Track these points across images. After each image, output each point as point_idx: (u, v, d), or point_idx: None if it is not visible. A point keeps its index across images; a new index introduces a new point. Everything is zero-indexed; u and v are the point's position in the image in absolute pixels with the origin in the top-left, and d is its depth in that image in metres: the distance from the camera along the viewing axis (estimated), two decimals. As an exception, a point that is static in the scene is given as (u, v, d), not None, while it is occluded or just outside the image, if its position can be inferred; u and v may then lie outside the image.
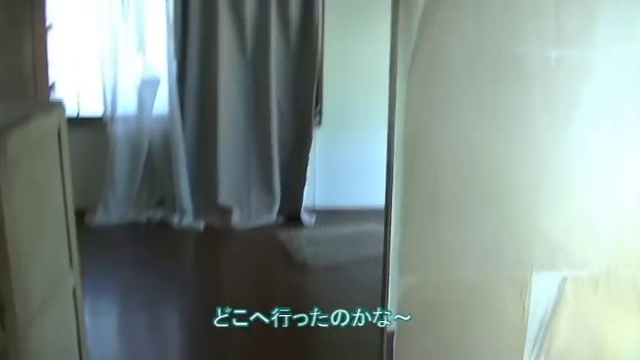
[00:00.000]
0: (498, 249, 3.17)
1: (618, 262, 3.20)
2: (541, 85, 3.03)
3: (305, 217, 6.15)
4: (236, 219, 6.06)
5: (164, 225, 6.11)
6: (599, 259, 3.19)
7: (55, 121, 2.63)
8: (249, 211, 6.13)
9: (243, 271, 5.16)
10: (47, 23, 6.05)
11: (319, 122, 6.29)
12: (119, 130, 6.06)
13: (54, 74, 6.21)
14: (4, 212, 2.10)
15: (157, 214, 6.19)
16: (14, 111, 2.45)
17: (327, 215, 6.29)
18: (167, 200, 6.24)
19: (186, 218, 6.06)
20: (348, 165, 6.36)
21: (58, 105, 2.72)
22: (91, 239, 5.62)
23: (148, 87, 6.03)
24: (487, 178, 3.09)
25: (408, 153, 3.06)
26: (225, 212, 6.08)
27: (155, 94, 6.05)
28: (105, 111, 6.06)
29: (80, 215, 5.76)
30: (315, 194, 6.40)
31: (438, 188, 3.11)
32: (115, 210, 6.13)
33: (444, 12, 2.96)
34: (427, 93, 3.02)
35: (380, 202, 5.79)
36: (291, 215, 6.23)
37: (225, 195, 6.11)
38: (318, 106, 6.27)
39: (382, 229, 5.35)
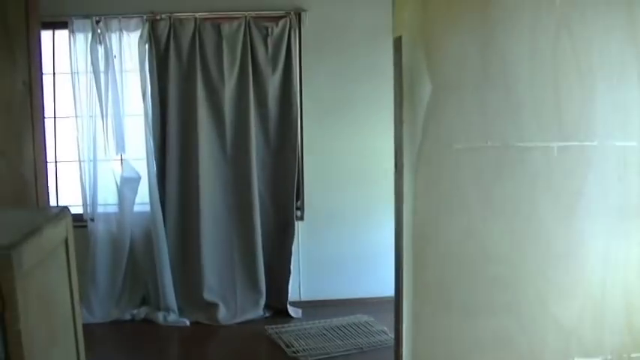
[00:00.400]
0: (510, 339, 3.14)
1: (630, 346, 3.18)
2: (545, 176, 3.07)
3: (292, 310, 6.07)
4: (222, 315, 5.95)
5: (149, 322, 5.99)
6: (611, 344, 3.17)
7: (63, 229, 2.59)
8: (235, 306, 6.03)
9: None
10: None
11: (301, 216, 6.25)
12: (100, 228, 5.98)
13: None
14: (20, 325, 2.04)
15: (141, 312, 6.07)
16: (24, 221, 2.43)
17: (314, 307, 6.21)
18: (151, 298, 6.14)
19: (172, 316, 5.96)
20: (332, 257, 6.33)
21: (65, 212, 2.67)
22: None
23: (128, 185, 5.98)
24: (496, 269, 3.09)
25: (417, 247, 3.05)
26: (211, 308, 5.98)
27: (136, 192, 6.00)
28: (85, 209, 5.98)
29: None
30: (300, 287, 6.33)
31: (447, 280, 3.10)
32: (97, 308, 6.00)
33: (448, 110, 3.01)
34: (434, 188, 3.04)
35: (364, 292, 5.83)
36: (278, 309, 6.14)
37: (210, 291, 6.02)
38: (299, 200, 6.25)
39: (369, 318, 5.34)
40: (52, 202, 6.10)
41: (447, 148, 3.01)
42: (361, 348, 5.20)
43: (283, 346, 5.22)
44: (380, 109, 6.11)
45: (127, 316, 6.05)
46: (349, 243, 6.31)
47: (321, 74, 6.19)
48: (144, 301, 6.20)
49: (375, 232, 6.21)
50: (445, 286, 3.10)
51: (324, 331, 5.54)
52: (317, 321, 5.76)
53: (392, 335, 5.27)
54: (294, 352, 5.07)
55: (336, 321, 5.76)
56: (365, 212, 6.27)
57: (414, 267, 3.06)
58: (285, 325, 5.72)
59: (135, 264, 6.15)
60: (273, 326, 5.65)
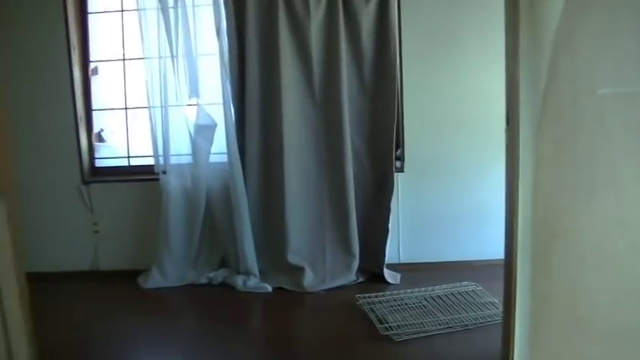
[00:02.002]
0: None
1: None
2: None
3: (388, 275, 5.31)
4: (309, 280, 5.26)
5: (227, 287, 5.39)
6: None
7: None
8: (323, 271, 5.33)
9: (317, 345, 4.31)
10: (92, 66, 5.46)
11: (401, 168, 5.45)
12: (173, 182, 5.35)
13: (101, 120, 5.75)
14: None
15: (219, 276, 5.48)
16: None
17: (414, 273, 5.48)
18: (230, 260, 5.54)
19: (252, 280, 5.32)
20: (436, 215, 5.56)
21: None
22: (146, 303, 5.15)
23: (203, 133, 5.34)
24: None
25: (538, 242, 2.17)
26: (296, 273, 5.30)
27: (211, 141, 5.35)
28: (156, 161, 5.34)
29: (133, 276, 5.44)
30: (399, 248, 5.57)
31: (582, 292, 2.19)
32: (171, 271, 5.48)
33: (588, 39, 2.09)
34: (566, 154, 2.14)
35: (472, 255, 4.98)
36: (373, 273, 5.43)
37: (295, 253, 5.33)
38: (399, 150, 5.45)
39: (476, 287, 4.52)
40: (124, 153, 5.53)
41: (587, 94, 2.09)
42: (466, 325, 4.40)
43: (375, 320, 4.48)
44: (494, 42, 5.21)
45: (204, 280, 5.47)
46: (456, 199, 5.55)
47: (425, 2, 5.37)
48: (222, 264, 5.62)
49: (486, 187, 5.44)
50: (579, 300, 2.20)
51: (424, 302, 4.77)
52: (416, 289, 4.99)
53: (502, 309, 4.46)
54: (387, 329, 4.32)
55: (439, 289, 4.98)
56: (474, 164, 5.44)
57: (533, 271, 2.17)
58: (380, 293, 4.96)
59: (212, 222, 5.54)
60: (366, 295, 4.90)
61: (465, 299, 4.80)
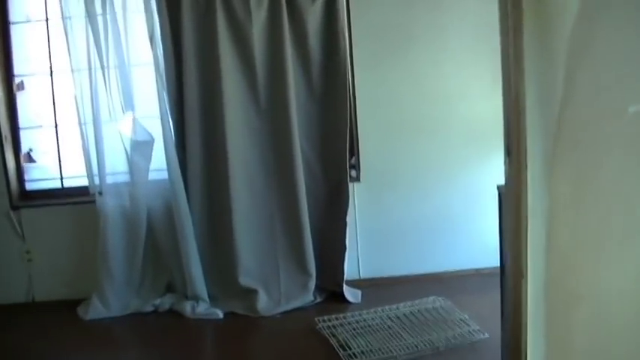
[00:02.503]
0: None
1: None
2: None
3: (349, 294, 4.94)
4: (263, 303, 4.87)
5: (175, 314, 4.95)
6: None
7: None
8: (278, 292, 4.95)
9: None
10: (17, 81, 5.00)
11: (357, 177, 5.09)
12: (110, 204, 4.93)
13: (30, 139, 5.29)
14: None
15: (166, 302, 5.05)
16: None
17: (376, 289, 5.12)
18: (177, 284, 5.12)
19: (202, 306, 4.91)
20: (397, 225, 5.21)
21: None
22: (87, 336, 4.76)
23: (139, 150, 4.91)
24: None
25: (555, 313, 1.72)
26: (249, 296, 4.91)
27: (149, 158, 4.93)
28: (91, 181, 4.90)
29: (73, 306, 5.02)
30: (359, 264, 5.23)
31: None
32: (113, 299, 5.02)
33: (615, 44, 1.63)
34: (590, 194, 1.65)
35: (436, 267, 4.95)
36: (332, 292, 5.06)
37: (247, 275, 4.94)
38: (354, 158, 5.08)
39: (444, 302, 4.17)
40: (56, 174, 5.08)
41: (615, 115, 1.61)
42: (437, 347, 4.03)
43: (337, 346, 4.11)
44: (449, 41, 4.92)
45: (149, 308, 5.02)
46: (418, 207, 5.21)
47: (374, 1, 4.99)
48: (169, 289, 5.19)
49: (449, 193, 5.18)
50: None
51: (389, 322, 4.41)
52: (380, 308, 4.62)
53: (474, 327, 4.12)
54: (351, 357, 3.94)
55: (404, 307, 4.61)
56: (436, 169, 5.11)
57: (548, 351, 1.72)
58: (341, 315, 4.58)
59: (155, 245, 5.12)
60: (326, 318, 4.52)
61: (433, 317, 4.46)
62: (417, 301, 4.68)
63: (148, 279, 5.13)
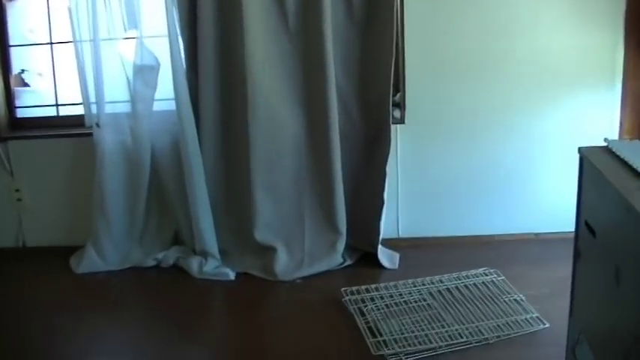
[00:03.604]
0: None
1: None
2: None
3: (384, 257, 4.15)
4: (282, 264, 4.11)
5: (180, 271, 4.24)
6: None
7: None
8: (301, 251, 4.17)
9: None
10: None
11: (401, 118, 4.23)
12: (108, 139, 4.20)
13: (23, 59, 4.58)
14: None
15: (170, 256, 4.33)
16: None
17: (417, 252, 4.34)
18: (184, 236, 4.39)
19: (211, 263, 4.19)
20: (444, 178, 4.39)
21: None
22: (79, 291, 4.13)
23: (143, 76, 4.12)
24: None
25: None
26: (266, 254, 4.16)
27: (154, 86, 4.15)
28: (87, 110, 4.15)
29: (68, 254, 4.42)
30: (398, 221, 4.42)
31: None
32: (111, 251, 4.34)
33: None
34: None
35: (488, 228, 4.47)
36: (364, 254, 4.28)
37: (264, 229, 4.17)
38: (398, 95, 4.23)
39: (496, 277, 3.65)
40: (52, 100, 4.34)
41: None
42: (486, 338, 3.23)
43: (365, 328, 3.34)
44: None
45: (151, 262, 4.33)
46: (470, 159, 4.36)
47: None
48: (175, 240, 4.47)
49: (509, 145, 4.32)
50: None
51: (430, 299, 3.63)
52: (419, 280, 3.83)
53: (532, 313, 3.33)
54: (381, 345, 3.16)
55: (448, 280, 3.83)
56: (495, 116, 4.26)
57: None
58: (373, 285, 3.80)
59: (160, 189, 4.39)
60: (355, 288, 3.75)
61: (483, 295, 3.66)
62: (464, 273, 3.89)
63: (151, 229, 4.42)
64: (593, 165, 2.41)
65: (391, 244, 4.33)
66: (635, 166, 2.25)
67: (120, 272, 4.29)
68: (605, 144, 2.56)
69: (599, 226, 2.40)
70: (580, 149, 2.55)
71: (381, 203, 4.10)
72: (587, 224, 2.52)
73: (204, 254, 4.18)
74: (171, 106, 4.07)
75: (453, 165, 4.31)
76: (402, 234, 4.44)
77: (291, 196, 4.15)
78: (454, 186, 4.34)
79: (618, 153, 2.40)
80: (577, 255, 2.69)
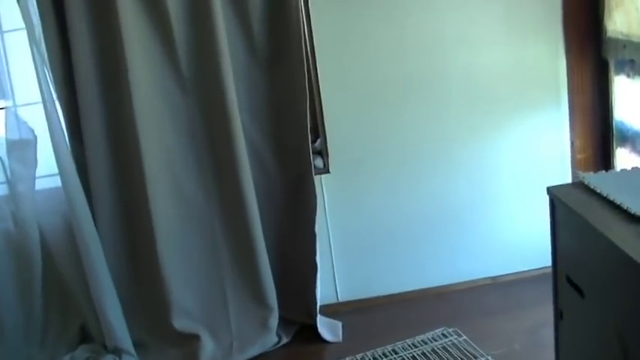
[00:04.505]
0: None
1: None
2: None
3: (324, 330, 3.59)
4: (208, 354, 3.51)
5: (92, 375, 3.53)
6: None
7: None
8: (228, 336, 3.58)
9: None
10: None
11: (325, 167, 3.68)
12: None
13: None
14: None
15: (79, 358, 3.62)
16: None
17: (361, 315, 3.80)
18: (91, 331, 3.72)
19: (125, 360, 3.47)
20: (384, 228, 3.86)
21: None
22: None
23: (18, 154, 3.48)
24: None
25: None
26: (189, 343, 3.55)
27: (34, 162, 3.49)
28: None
29: None
30: (335, 283, 3.87)
31: None
32: (6, 356, 3.62)
33: None
34: None
35: (439, 279, 3.88)
36: (301, 328, 3.71)
37: (183, 316, 3.57)
38: (319, 140, 3.70)
39: (456, 337, 3.15)
40: None
41: None
42: None
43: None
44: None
45: (57, 366, 3.62)
46: (410, 202, 3.83)
47: None
48: (82, 337, 3.76)
49: (452, 181, 3.81)
50: None
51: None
52: (368, 354, 3.26)
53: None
54: None
55: (402, 349, 3.30)
56: (433, 147, 3.72)
57: None
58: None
59: (57, 279, 3.70)
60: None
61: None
62: (418, 338, 3.36)
63: (53, 327, 3.74)
64: (570, 208, 1.91)
65: (330, 310, 3.79)
66: (628, 208, 1.74)
67: (20, 383, 3.59)
68: (577, 179, 2.07)
69: (587, 284, 1.90)
70: (550, 190, 2.06)
71: (314, 268, 3.54)
72: (569, 280, 2.01)
73: (117, 351, 3.55)
74: (56, 181, 3.44)
75: (391, 212, 3.79)
76: (342, 297, 3.89)
77: (207, 273, 3.57)
78: (395, 236, 3.82)
79: (600, 191, 1.89)
80: (559, 315, 2.19)
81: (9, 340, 3.63)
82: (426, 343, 3.28)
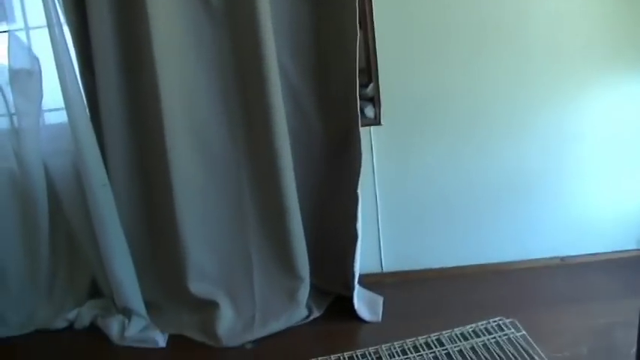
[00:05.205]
0: None
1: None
2: None
3: (363, 307, 3.13)
4: (226, 324, 3.09)
5: (99, 334, 3.21)
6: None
7: None
8: (251, 306, 3.13)
9: None
10: None
11: (376, 117, 3.17)
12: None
13: None
14: None
15: (85, 315, 3.32)
16: None
17: (406, 292, 3.31)
18: (101, 286, 3.37)
19: (135, 324, 3.19)
20: (439, 193, 3.35)
21: None
22: None
23: (20, 85, 3.05)
24: None
25: None
26: (206, 311, 3.13)
27: (38, 96, 3.09)
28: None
29: None
30: (380, 251, 3.40)
31: None
32: (9, 311, 3.34)
33: None
34: None
35: (499, 255, 3.36)
36: (336, 298, 3.25)
37: (201, 279, 3.14)
38: (371, 86, 3.17)
39: (514, 331, 2.70)
40: None
41: None
42: None
43: None
44: None
45: (61, 323, 3.32)
46: (472, 166, 3.30)
47: None
48: (92, 292, 3.42)
49: (522, 146, 3.25)
50: None
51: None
52: (409, 342, 2.78)
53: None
54: None
55: (448, 341, 2.82)
56: (504, 107, 3.18)
57: None
58: (351, 351, 2.74)
59: (66, 226, 3.35)
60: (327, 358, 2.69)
61: (501, 360, 2.62)
62: (469, 327, 2.87)
63: (60, 280, 3.43)
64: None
65: (372, 281, 3.34)
66: None
67: (23, 338, 3.27)
68: None
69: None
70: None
71: (354, 237, 3.05)
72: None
73: (127, 312, 3.19)
74: (63, 117, 3.03)
75: (449, 176, 3.28)
76: (387, 267, 3.42)
77: (231, 234, 3.12)
78: (452, 203, 3.32)
79: None
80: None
81: (14, 291, 3.37)
82: (477, 336, 2.79)
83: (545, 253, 3.39)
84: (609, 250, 3.35)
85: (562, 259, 3.40)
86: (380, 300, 3.18)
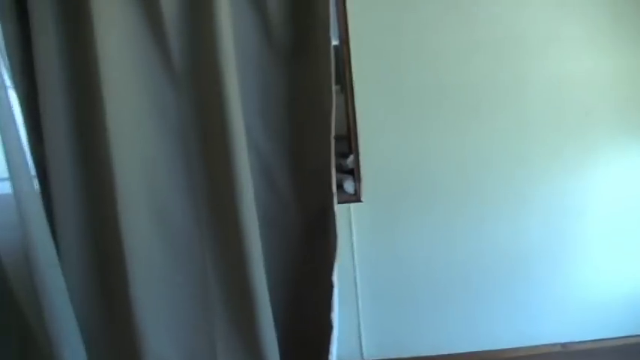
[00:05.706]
0: None
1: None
2: None
3: (339, 403, 2.81)
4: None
5: None
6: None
7: None
8: (213, 401, 2.82)
9: None
10: None
11: (356, 193, 3.05)
12: None
13: None
14: None
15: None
16: None
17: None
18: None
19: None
20: (426, 275, 3.19)
21: None
22: None
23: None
24: None
25: None
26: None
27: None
28: None
29: None
30: (360, 338, 3.19)
31: None
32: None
33: None
34: None
35: (496, 343, 3.15)
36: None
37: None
38: (351, 157, 2.94)
39: None
40: None
41: None
42: None
43: None
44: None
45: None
46: (463, 246, 3.16)
47: None
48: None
49: (520, 222, 3.13)
50: None
51: None
52: None
53: None
54: None
55: None
56: (497, 178, 3.08)
57: None
58: None
59: (17, 309, 2.99)
60: None
61: None
62: None
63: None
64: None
65: (351, 373, 3.05)
66: None
67: None
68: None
69: None
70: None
71: (327, 327, 2.77)
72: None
73: (78, 403, 2.85)
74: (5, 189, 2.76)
75: (437, 255, 3.10)
76: (368, 356, 3.17)
77: (194, 319, 2.86)
78: (440, 285, 3.14)
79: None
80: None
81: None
82: None
83: (545, 339, 3.28)
84: (615, 335, 3.22)
85: (563, 345, 3.25)
86: (359, 396, 2.89)
